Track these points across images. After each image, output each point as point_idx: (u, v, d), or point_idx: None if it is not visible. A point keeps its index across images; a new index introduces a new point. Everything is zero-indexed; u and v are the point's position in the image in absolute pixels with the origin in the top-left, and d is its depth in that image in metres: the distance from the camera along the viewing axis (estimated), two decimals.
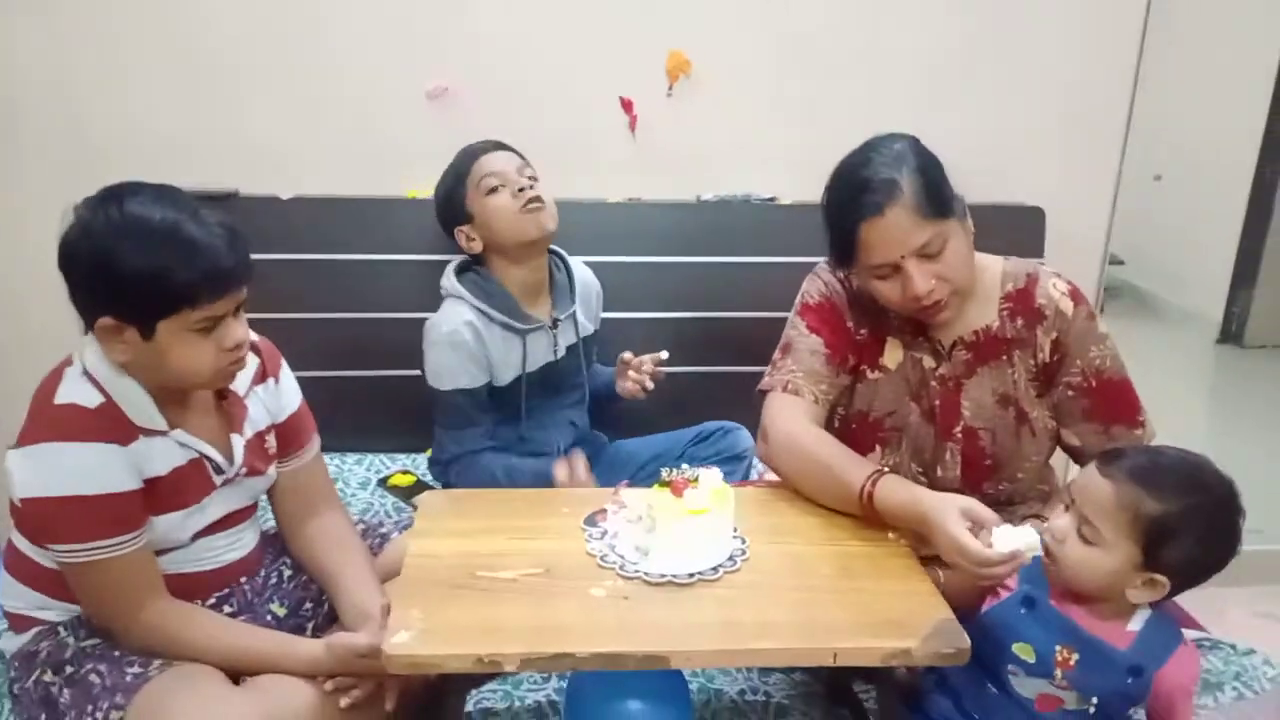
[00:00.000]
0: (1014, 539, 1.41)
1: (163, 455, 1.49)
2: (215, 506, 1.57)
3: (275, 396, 1.69)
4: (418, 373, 2.10)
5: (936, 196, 1.60)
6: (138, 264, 1.36)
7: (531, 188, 2.04)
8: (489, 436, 2.06)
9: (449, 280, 2.08)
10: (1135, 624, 1.46)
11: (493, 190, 2.04)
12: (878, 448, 1.80)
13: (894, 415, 1.79)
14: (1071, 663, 1.43)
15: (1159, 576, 1.40)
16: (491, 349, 2.03)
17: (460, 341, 2.00)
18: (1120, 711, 1.50)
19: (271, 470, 1.68)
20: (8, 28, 2.35)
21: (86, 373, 1.45)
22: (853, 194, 1.62)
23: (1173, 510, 1.38)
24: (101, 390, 1.44)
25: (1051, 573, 1.46)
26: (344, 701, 1.46)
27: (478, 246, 2.09)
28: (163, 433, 1.49)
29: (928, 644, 1.35)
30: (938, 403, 1.77)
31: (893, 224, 1.58)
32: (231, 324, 1.46)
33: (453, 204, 2.10)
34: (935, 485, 1.74)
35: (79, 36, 2.38)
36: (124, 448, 1.44)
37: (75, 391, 1.43)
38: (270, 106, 2.46)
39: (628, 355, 2.12)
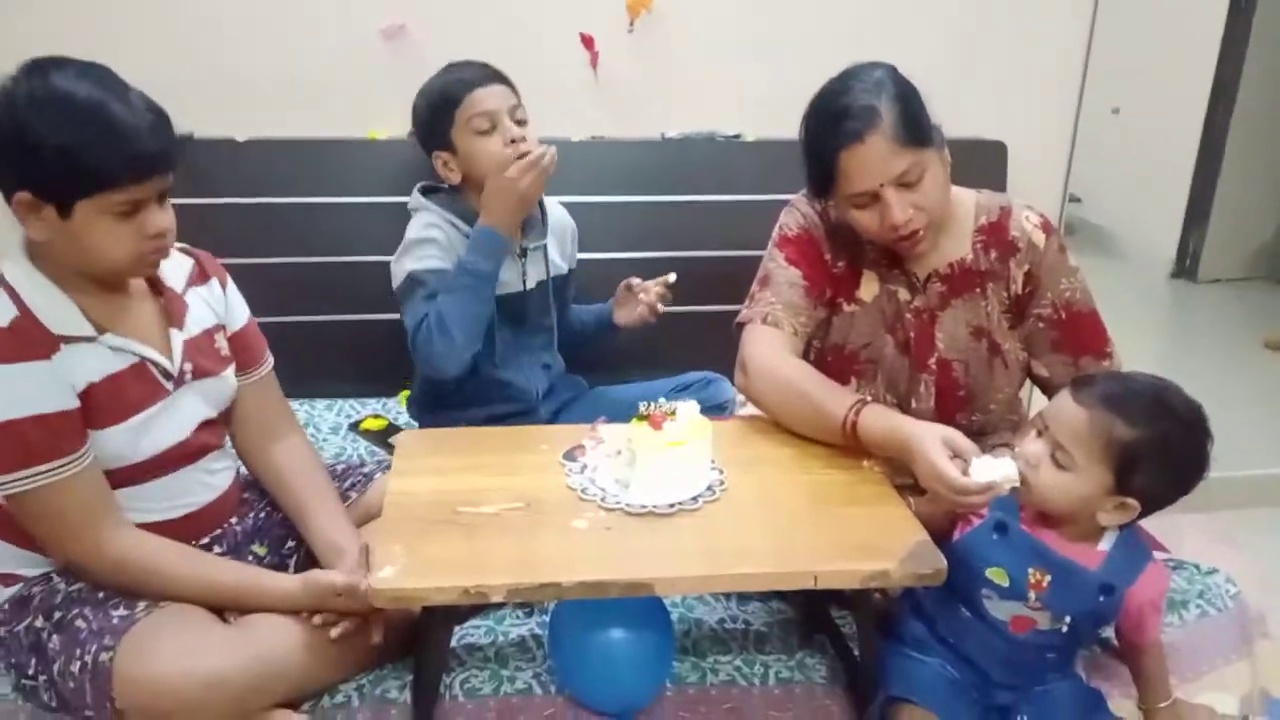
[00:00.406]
0: (992, 470, 1.44)
1: (94, 362, 1.43)
2: (169, 418, 1.52)
3: (221, 302, 1.65)
4: (385, 316, 2.07)
5: (915, 125, 1.60)
6: (56, 140, 1.31)
7: (524, 139, 1.95)
8: None
9: (415, 198, 2.04)
10: (1105, 544, 1.49)
11: (483, 132, 1.96)
12: (853, 380, 1.81)
13: (869, 348, 1.80)
14: (1044, 584, 1.45)
15: (1130, 500, 1.43)
16: (460, 251, 1.96)
17: (431, 236, 1.95)
18: (1090, 630, 1.55)
19: (229, 375, 1.63)
20: None
21: (3, 282, 1.40)
22: (832, 122, 1.62)
23: (1144, 436, 1.40)
24: (17, 301, 1.39)
25: (1024, 496, 1.49)
26: (334, 633, 1.46)
27: (456, 178, 2.02)
28: (89, 339, 1.43)
29: (905, 565, 1.37)
30: (912, 335, 1.78)
31: (872, 151, 1.59)
32: (154, 210, 1.41)
33: (435, 130, 2.00)
34: (909, 415, 1.75)
35: None
36: (47, 362, 1.38)
37: None
38: (226, 47, 2.40)
39: (635, 280, 2.09)
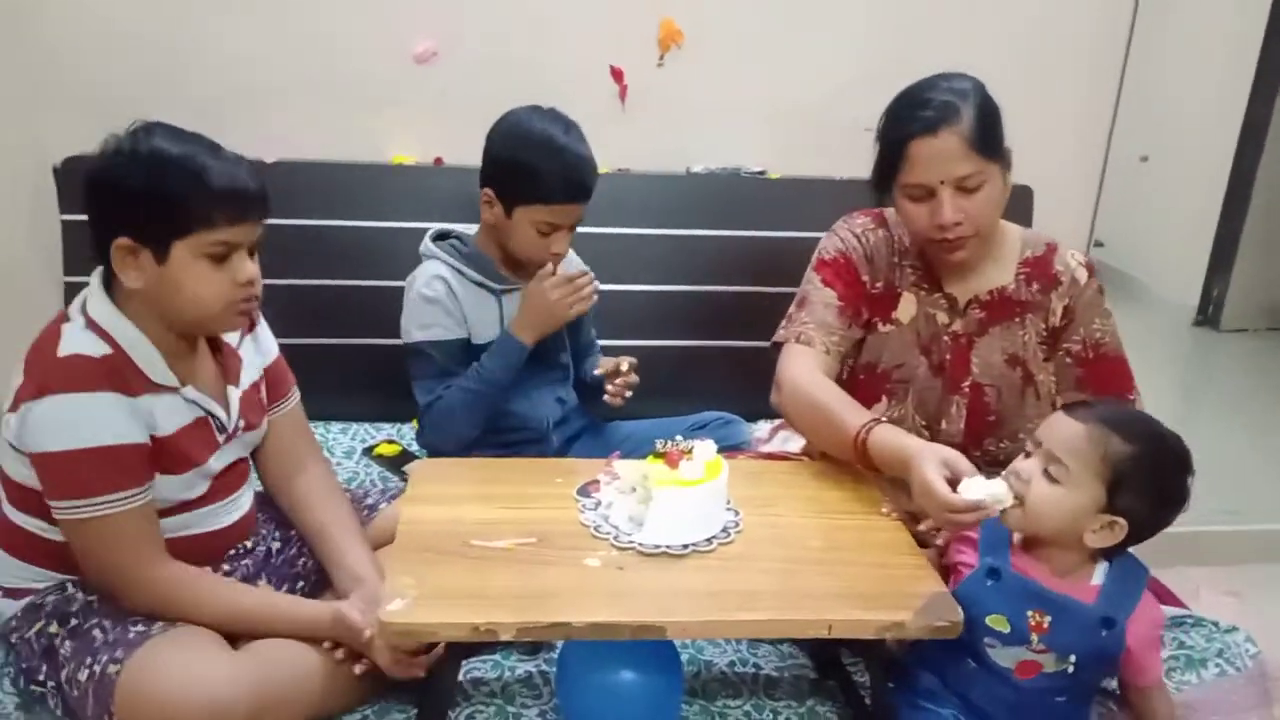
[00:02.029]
0: (981, 489, 1.45)
1: (170, 413, 1.49)
2: (216, 463, 1.56)
3: (261, 345, 1.70)
4: (400, 341, 2.07)
5: (990, 136, 1.66)
6: (153, 186, 1.40)
7: (562, 255, 1.98)
8: None
9: (425, 245, 2.05)
10: (1097, 578, 1.48)
11: (539, 228, 1.94)
12: (884, 399, 1.83)
13: (902, 368, 1.82)
14: (1045, 625, 1.44)
15: (1118, 519, 1.42)
16: (466, 304, 1.99)
17: (435, 295, 1.96)
18: (1096, 669, 1.50)
19: (264, 423, 1.68)
20: None
21: (91, 325, 1.44)
22: (912, 110, 1.68)
23: (1139, 451, 1.41)
24: (109, 340, 1.44)
25: (1012, 518, 1.46)
26: (357, 669, 1.48)
27: (490, 219, 2.00)
28: (173, 389, 1.49)
29: (920, 616, 1.36)
30: (949, 357, 1.80)
31: (941, 147, 1.63)
32: (245, 259, 1.48)
33: (502, 182, 1.95)
34: (937, 437, 1.77)
35: None
36: (132, 399, 1.43)
37: (80, 343, 1.42)
38: (258, 69, 2.41)
39: (608, 365, 2.06)
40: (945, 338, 1.81)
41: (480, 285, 2.01)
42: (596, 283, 1.98)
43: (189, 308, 1.46)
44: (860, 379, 1.84)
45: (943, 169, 1.64)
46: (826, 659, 1.70)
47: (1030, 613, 1.44)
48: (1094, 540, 1.45)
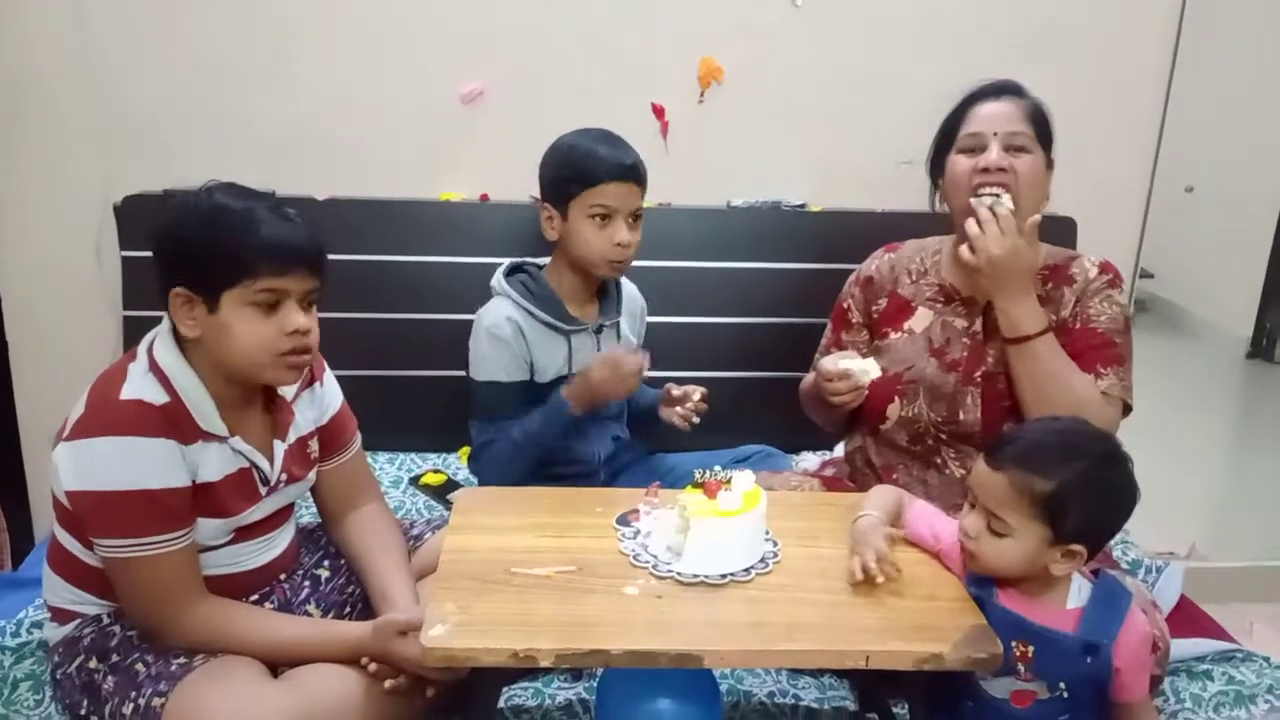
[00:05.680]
0: (849, 363, 1.82)
1: (217, 461, 1.51)
2: (256, 513, 1.59)
3: (320, 399, 1.71)
4: (449, 373, 2.10)
5: (1044, 122, 1.86)
6: (205, 237, 1.43)
7: (627, 246, 2.00)
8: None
9: (498, 280, 2.07)
10: (1077, 600, 1.47)
11: (595, 218, 1.99)
12: (896, 399, 1.92)
13: (911, 369, 1.91)
14: (1030, 655, 1.43)
15: (1074, 546, 1.42)
16: (533, 346, 2.02)
17: (501, 336, 1.99)
18: (1091, 695, 1.47)
19: (311, 475, 1.69)
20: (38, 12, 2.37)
21: (154, 368, 1.47)
22: (983, 86, 1.89)
23: (1063, 482, 1.39)
24: (168, 388, 1.46)
25: (975, 566, 1.49)
26: (387, 685, 1.48)
27: (553, 236, 2.04)
28: (222, 438, 1.51)
29: (959, 649, 1.35)
30: (965, 354, 1.88)
31: (1001, 108, 1.85)
32: (295, 309, 1.48)
33: (556, 189, 2.01)
34: (958, 427, 1.87)
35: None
36: (185, 446, 1.46)
37: (141, 388, 1.45)
38: (311, 109, 2.48)
39: (675, 390, 2.07)
40: (965, 339, 1.90)
41: (549, 326, 2.04)
42: (646, 361, 1.98)
43: (238, 357, 1.48)
44: (873, 384, 1.92)
45: (998, 123, 1.82)
46: (868, 692, 1.69)
47: (1015, 643, 1.44)
48: (1060, 570, 1.44)
